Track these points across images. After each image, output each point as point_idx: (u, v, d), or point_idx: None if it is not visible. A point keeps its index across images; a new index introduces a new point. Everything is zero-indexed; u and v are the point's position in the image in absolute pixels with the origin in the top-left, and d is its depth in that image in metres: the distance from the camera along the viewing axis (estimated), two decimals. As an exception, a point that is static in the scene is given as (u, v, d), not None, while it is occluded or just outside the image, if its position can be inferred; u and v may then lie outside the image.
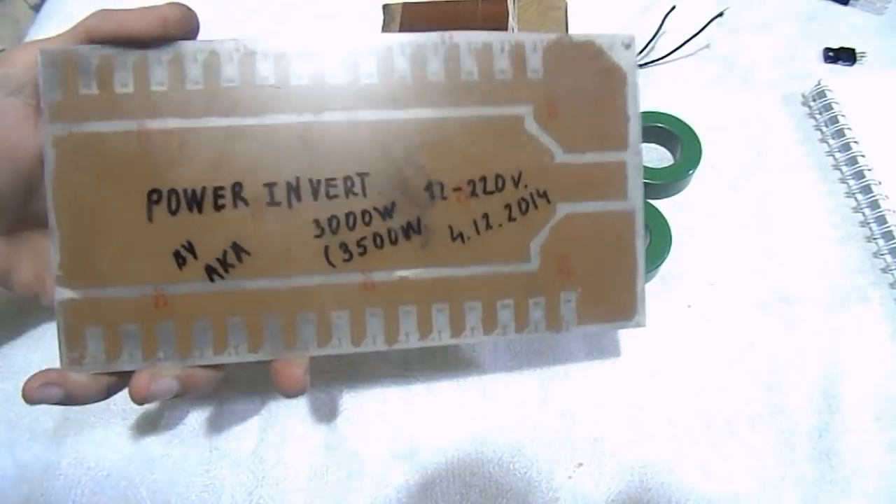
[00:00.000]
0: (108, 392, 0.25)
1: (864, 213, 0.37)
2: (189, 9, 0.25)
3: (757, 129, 0.41)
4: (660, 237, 0.35)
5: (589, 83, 0.27)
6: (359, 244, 0.26)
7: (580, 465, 0.31)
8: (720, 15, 0.44)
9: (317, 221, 0.25)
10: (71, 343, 0.25)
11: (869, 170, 0.37)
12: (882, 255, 0.36)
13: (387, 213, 0.26)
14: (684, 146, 0.38)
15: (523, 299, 0.27)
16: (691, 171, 0.38)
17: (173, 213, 0.25)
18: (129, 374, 0.25)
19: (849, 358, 0.33)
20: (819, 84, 0.41)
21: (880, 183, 0.37)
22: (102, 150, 0.24)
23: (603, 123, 0.27)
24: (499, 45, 0.26)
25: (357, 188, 0.25)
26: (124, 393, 0.33)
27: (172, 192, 0.25)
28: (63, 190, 0.24)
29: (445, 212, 0.26)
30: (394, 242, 0.26)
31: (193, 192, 0.25)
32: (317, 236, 0.25)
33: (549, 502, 0.30)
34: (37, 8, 0.54)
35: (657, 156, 0.41)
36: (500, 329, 0.27)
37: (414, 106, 0.26)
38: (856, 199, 0.38)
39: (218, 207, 0.25)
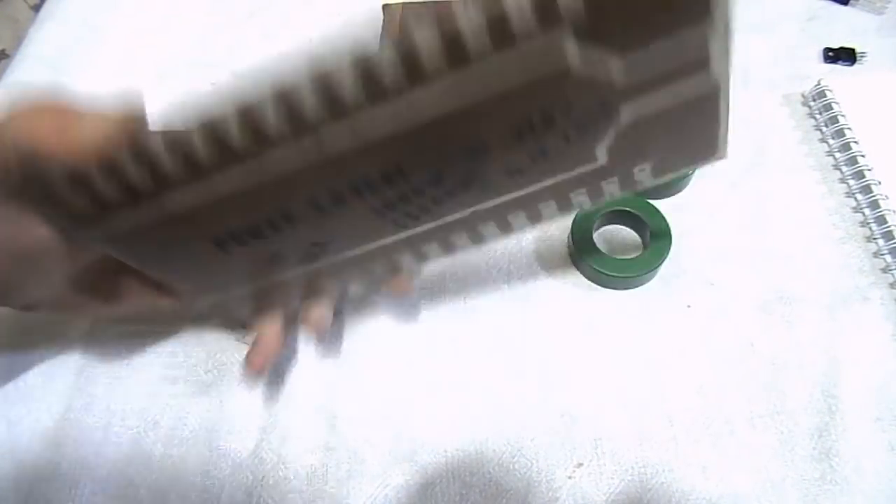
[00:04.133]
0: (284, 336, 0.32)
1: (864, 213, 0.37)
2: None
3: (757, 129, 0.41)
4: (660, 237, 0.35)
5: None
6: (421, 207, 0.25)
7: (580, 465, 0.31)
8: (720, 15, 0.44)
9: (373, 209, 0.25)
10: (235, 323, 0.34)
11: (869, 170, 0.37)
12: (882, 255, 0.36)
13: (436, 181, 0.24)
14: (684, 146, 0.38)
15: (596, 185, 0.26)
16: (691, 172, 0.38)
17: (243, 243, 0.26)
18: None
19: (849, 358, 0.33)
20: (819, 84, 0.41)
21: (880, 183, 0.37)
22: (148, 236, 0.24)
23: (672, 16, 0.21)
24: None
25: (396, 177, 0.24)
26: (125, 394, 0.33)
27: (231, 233, 0.25)
28: (152, 265, 0.27)
29: (496, 161, 0.23)
30: (452, 195, 0.25)
31: (248, 227, 0.25)
32: (379, 216, 0.25)
33: (549, 502, 0.30)
34: (37, 8, 0.53)
35: (657, 156, 0.41)
36: (576, 207, 0.28)
37: (433, 80, 0.20)
38: (856, 199, 0.38)
39: (277, 229, 0.25)
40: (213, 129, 0.22)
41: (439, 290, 0.36)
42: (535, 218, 0.27)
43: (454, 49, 0.19)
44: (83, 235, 0.24)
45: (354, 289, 0.36)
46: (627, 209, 0.36)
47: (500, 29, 0.19)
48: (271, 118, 0.21)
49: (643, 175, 0.26)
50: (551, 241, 0.37)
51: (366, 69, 0.20)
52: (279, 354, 0.32)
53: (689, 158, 0.27)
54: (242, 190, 0.23)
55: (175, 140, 0.22)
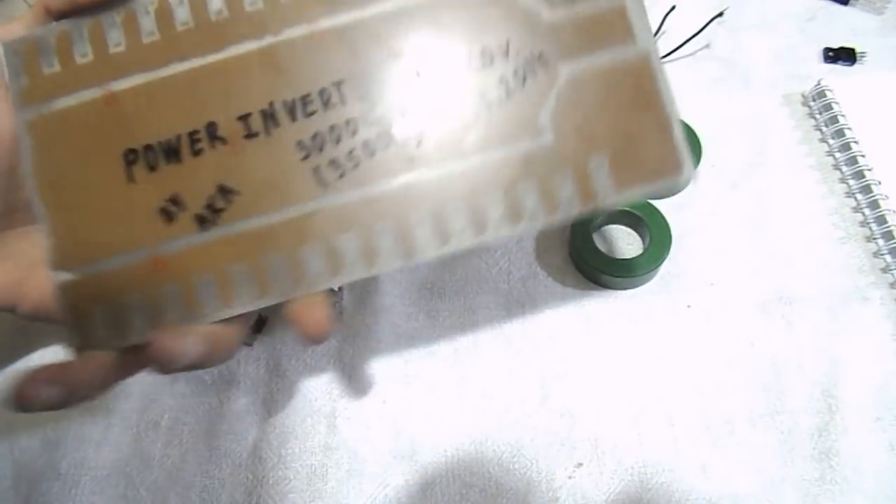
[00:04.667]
0: (113, 377, 0.23)
1: (864, 213, 0.37)
2: None
3: (757, 129, 0.41)
4: (660, 237, 0.35)
5: None
6: (350, 156, 0.24)
7: (580, 465, 0.31)
8: (720, 15, 0.44)
9: (300, 143, 0.24)
10: (78, 326, 0.24)
11: (869, 170, 0.37)
12: (882, 255, 0.36)
13: (370, 108, 0.24)
14: (684, 146, 0.38)
15: (547, 178, 0.24)
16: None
17: (152, 168, 0.24)
18: (133, 356, 0.24)
19: (849, 358, 0.33)
20: (819, 84, 0.41)
21: (880, 183, 0.37)
22: (73, 123, 0.24)
23: None
24: None
25: (335, 98, 0.24)
26: (125, 394, 0.33)
27: (148, 147, 0.24)
28: (43, 173, 0.24)
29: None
30: (386, 147, 0.24)
31: (168, 142, 0.24)
32: (303, 159, 0.24)
33: (549, 502, 0.30)
34: (37, 8, 0.53)
35: (657, 156, 0.41)
36: (528, 218, 0.24)
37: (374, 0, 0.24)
38: (856, 199, 0.38)
39: (196, 152, 0.24)
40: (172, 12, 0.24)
41: (439, 289, 0.36)
42: (477, 219, 0.24)
43: None
44: (20, 115, 0.24)
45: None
46: (627, 209, 0.36)
47: None
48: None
49: (601, 177, 0.24)
50: (551, 241, 0.37)
51: None
52: (94, 393, 0.23)
53: (649, 168, 0.24)
54: (183, 78, 0.24)
55: (132, 21, 0.24)
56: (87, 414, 0.33)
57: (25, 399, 0.21)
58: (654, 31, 0.44)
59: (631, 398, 0.33)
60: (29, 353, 0.34)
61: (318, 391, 0.33)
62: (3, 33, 0.24)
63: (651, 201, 0.37)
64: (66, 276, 0.24)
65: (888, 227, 0.36)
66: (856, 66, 0.43)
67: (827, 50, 0.44)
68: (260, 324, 0.35)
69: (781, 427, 0.32)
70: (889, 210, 0.36)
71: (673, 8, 0.44)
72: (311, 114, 0.24)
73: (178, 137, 0.24)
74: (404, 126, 0.24)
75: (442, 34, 0.24)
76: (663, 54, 0.43)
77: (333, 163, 0.24)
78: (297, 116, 0.24)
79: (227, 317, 0.24)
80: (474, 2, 0.24)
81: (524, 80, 0.24)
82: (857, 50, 0.43)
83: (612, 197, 0.24)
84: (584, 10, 0.24)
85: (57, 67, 0.24)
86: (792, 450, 0.31)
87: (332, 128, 0.24)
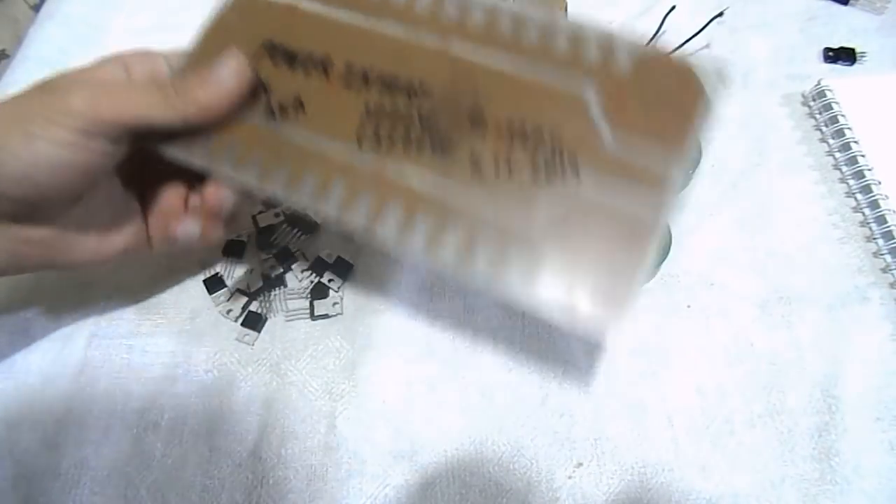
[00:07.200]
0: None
1: (864, 213, 0.37)
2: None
3: (757, 129, 0.41)
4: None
5: (670, 99, 0.26)
6: (390, 139, 0.28)
7: (580, 465, 0.31)
8: (720, 15, 0.44)
9: (367, 104, 0.28)
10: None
11: (869, 170, 0.37)
12: (882, 255, 0.36)
13: (429, 120, 0.28)
14: (684, 146, 0.38)
15: (525, 261, 0.25)
16: (691, 171, 0.38)
17: (271, 58, 0.30)
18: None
19: (849, 358, 0.33)
20: (819, 84, 0.41)
21: (880, 183, 0.37)
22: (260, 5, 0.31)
23: (663, 139, 0.26)
24: (593, 36, 0.28)
25: (412, 91, 0.28)
26: (125, 394, 0.33)
27: (280, 46, 0.30)
28: (216, 22, 0.31)
29: (476, 141, 0.27)
30: (420, 149, 0.27)
31: (292, 51, 0.30)
32: (360, 118, 0.28)
33: (549, 502, 0.30)
34: (37, 8, 0.53)
35: (657, 156, 0.41)
36: (503, 284, 0.25)
37: (500, 52, 0.28)
38: (856, 199, 0.38)
39: (305, 68, 0.29)
40: None
41: (439, 289, 0.36)
42: (462, 255, 0.25)
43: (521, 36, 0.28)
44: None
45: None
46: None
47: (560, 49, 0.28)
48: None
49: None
50: (551, 241, 0.37)
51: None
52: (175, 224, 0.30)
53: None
54: (338, 21, 0.30)
55: None
56: (87, 414, 0.33)
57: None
58: (654, 31, 0.44)
59: (631, 398, 0.33)
60: (31, 353, 0.34)
61: (318, 391, 0.33)
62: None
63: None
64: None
65: (888, 227, 0.36)
66: (856, 66, 0.43)
67: (827, 50, 0.44)
68: (260, 323, 0.35)
69: (781, 427, 0.32)
70: (889, 210, 0.36)
71: (673, 8, 0.44)
72: (390, 90, 0.28)
73: (300, 52, 0.30)
74: (443, 144, 0.27)
75: (521, 98, 0.27)
76: (663, 54, 0.43)
77: (376, 135, 0.28)
78: (381, 88, 0.28)
79: (225, 180, 0.29)
80: (563, 101, 0.27)
81: (551, 175, 0.26)
82: (857, 50, 0.43)
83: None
84: (634, 161, 0.26)
85: None
86: (792, 450, 0.31)
87: (394, 112, 0.28)
